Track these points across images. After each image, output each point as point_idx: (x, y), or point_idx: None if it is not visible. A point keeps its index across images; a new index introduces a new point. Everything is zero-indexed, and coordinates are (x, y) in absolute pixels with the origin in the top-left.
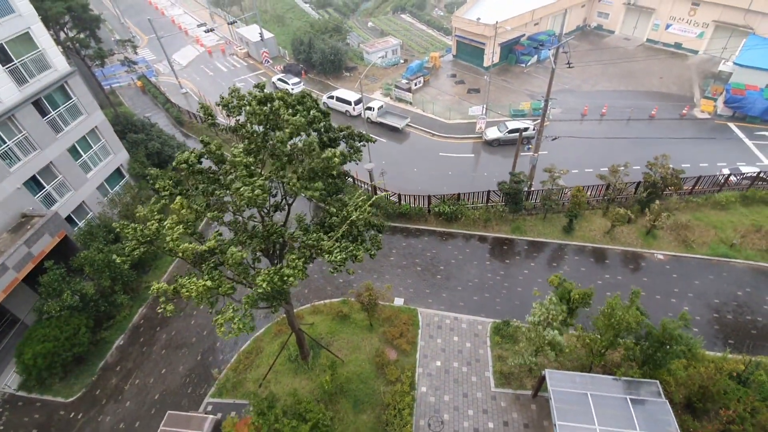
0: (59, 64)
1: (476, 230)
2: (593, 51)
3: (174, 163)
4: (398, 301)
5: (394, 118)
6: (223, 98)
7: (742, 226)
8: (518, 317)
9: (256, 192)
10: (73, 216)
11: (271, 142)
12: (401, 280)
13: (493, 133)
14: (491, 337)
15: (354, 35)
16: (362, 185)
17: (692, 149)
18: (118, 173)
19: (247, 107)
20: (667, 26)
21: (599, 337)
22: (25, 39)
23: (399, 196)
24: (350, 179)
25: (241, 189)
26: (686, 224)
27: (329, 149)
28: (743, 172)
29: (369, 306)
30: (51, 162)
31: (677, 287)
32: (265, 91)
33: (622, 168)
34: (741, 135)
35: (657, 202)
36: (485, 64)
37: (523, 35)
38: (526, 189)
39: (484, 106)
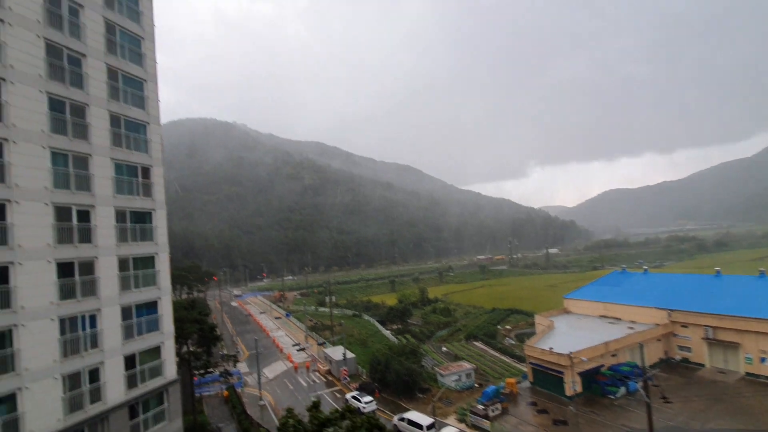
0: (169, 372)
1: None
2: (687, 385)
3: None
4: None
5: None
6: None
7: None
8: None
9: None
10: None
11: None
12: None
13: None
14: None
15: (429, 358)
16: None
17: None
18: None
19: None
20: (762, 359)
21: None
22: (154, 351)
23: None
24: None
25: None
26: None
27: None
28: None
29: None
30: None
31: None
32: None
33: None
34: None
35: None
36: (567, 393)
37: (602, 366)
38: None
39: None
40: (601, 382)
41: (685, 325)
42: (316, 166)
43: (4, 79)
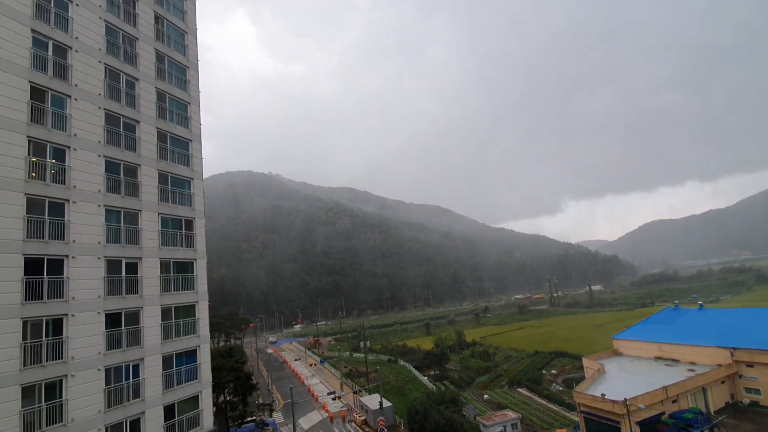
0: (207, 422)
1: None
2: (760, 431)
3: None
4: None
5: None
6: None
7: None
8: None
9: None
10: None
11: None
12: None
13: None
14: None
15: (470, 407)
16: None
17: None
18: None
19: None
20: None
21: None
22: (192, 401)
23: None
24: None
25: None
26: None
27: None
28: None
29: None
30: None
31: None
32: None
33: None
34: None
35: None
36: None
37: (663, 413)
38: None
39: None
40: (663, 431)
41: (750, 365)
42: (349, 211)
43: (68, 147)
